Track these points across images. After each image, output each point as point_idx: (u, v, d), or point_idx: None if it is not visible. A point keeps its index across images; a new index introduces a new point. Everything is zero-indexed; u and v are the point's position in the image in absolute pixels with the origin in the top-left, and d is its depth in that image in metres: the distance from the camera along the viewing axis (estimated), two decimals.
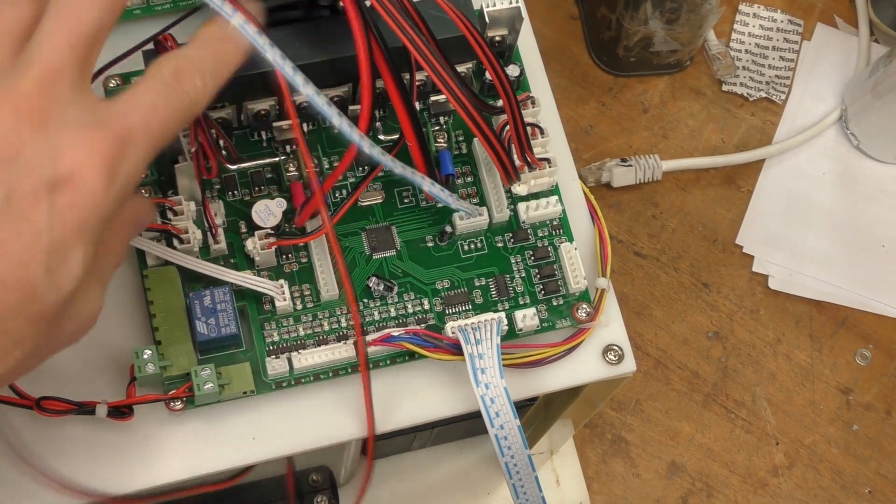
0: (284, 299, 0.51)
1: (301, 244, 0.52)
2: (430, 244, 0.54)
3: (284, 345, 0.51)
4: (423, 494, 0.75)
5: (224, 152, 0.52)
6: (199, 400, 0.49)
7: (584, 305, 0.53)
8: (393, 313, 0.52)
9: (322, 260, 0.52)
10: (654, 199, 0.88)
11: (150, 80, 0.41)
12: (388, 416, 0.52)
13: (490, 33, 0.54)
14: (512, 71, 0.55)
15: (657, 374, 0.84)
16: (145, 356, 0.49)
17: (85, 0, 0.40)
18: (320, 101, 0.44)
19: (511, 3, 0.53)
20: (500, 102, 0.50)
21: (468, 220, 0.53)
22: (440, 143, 0.55)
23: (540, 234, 0.55)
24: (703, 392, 0.84)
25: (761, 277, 0.87)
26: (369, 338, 0.51)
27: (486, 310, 0.53)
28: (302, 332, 0.52)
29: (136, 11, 0.55)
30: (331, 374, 0.51)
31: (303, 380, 0.51)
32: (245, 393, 0.50)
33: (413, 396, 0.52)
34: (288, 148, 0.54)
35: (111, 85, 0.52)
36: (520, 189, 0.54)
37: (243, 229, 0.52)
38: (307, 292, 0.52)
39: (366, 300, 0.52)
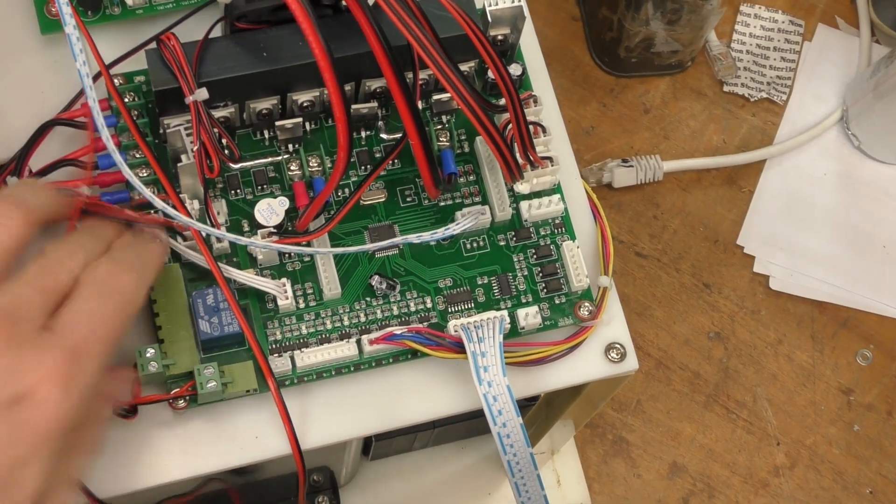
0: (287, 298, 0.51)
1: (304, 243, 0.52)
2: (432, 243, 0.54)
3: (287, 343, 0.51)
4: (424, 495, 0.75)
5: (226, 151, 0.52)
6: (202, 398, 0.49)
7: (587, 304, 0.53)
8: (395, 312, 0.52)
9: (324, 258, 0.52)
10: (656, 200, 0.88)
11: (85, 288, 0.43)
12: (391, 413, 0.52)
13: (492, 32, 0.54)
14: (514, 69, 0.55)
15: (658, 374, 0.84)
16: (148, 354, 0.49)
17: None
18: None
19: (513, 1, 0.54)
20: (502, 101, 0.50)
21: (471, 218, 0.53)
22: (442, 141, 0.55)
23: (542, 233, 0.55)
24: (704, 392, 0.84)
25: (762, 278, 0.87)
26: (372, 336, 0.51)
27: (488, 308, 0.53)
28: (304, 331, 0.52)
29: (139, 11, 0.55)
30: (333, 373, 0.51)
31: (305, 378, 0.51)
32: (248, 391, 0.50)
33: (416, 394, 0.52)
34: (290, 147, 0.54)
35: (116, 84, 0.52)
36: (522, 187, 0.54)
37: (246, 228, 0.53)
38: (310, 291, 0.52)
39: (368, 298, 0.52)
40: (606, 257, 0.55)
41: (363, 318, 0.52)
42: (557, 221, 0.55)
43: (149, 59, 0.50)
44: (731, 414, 0.83)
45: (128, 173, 0.49)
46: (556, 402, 0.66)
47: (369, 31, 0.47)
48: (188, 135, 0.50)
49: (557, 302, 0.54)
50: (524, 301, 0.53)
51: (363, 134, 0.55)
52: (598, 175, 0.87)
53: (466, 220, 0.53)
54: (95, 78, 0.50)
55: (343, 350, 0.51)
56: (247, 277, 0.51)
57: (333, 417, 0.52)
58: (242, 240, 0.50)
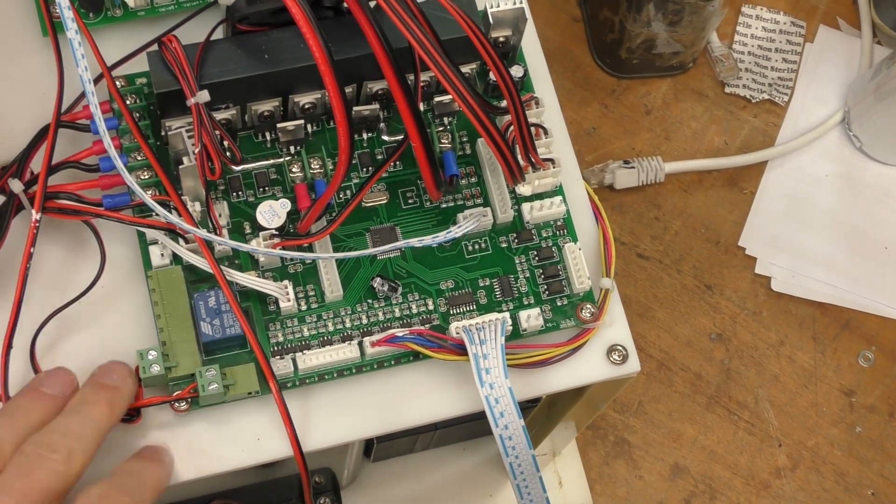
0: (289, 300, 0.51)
1: (305, 245, 0.52)
2: (434, 246, 0.54)
3: (289, 345, 0.51)
4: (425, 496, 0.75)
5: (228, 153, 0.52)
6: (204, 401, 0.49)
7: (588, 305, 0.53)
8: (397, 314, 0.52)
9: (326, 261, 0.52)
10: (657, 201, 0.88)
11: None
12: (392, 415, 0.52)
13: (494, 34, 0.54)
14: (516, 71, 0.55)
15: (660, 375, 0.84)
16: (150, 357, 0.49)
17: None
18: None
19: (515, 3, 0.54)
20: (503, 103, 0.50)
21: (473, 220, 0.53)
22: (444, 143, 0.55)
23: (544, 235, 0.55)
24: (705, 394, 0.84)
25: (764, 279, 0.87)
26: (374, 338, 0.51)
27: (490, 310, 0.53)
28: (306, 333, 0.52)
29: (141, 13, 0.55)
30: (335, 375, 0.51)
31: (307, 380, 0.51)
32: (250, 394, 0.50)
33: (417, 396, 0.52)
34: (292, 149, 0.54)
35: (117, 86, 0.52)
36: (524, 189, 0.54)
37: (247, 230, 0.53)
38: (311, 293, 0.52)
39: (370, 300, 0.52)
40: (608, 259, 0.55)
41: (365, 320, 0.52)
42: (559, 223, 0.55)
43: (150, 61, 0.50)
44: (732, 415, 0.83)
45: (128, 179, 0.48)
46: (557, 403, 0.66)
47: (370, 33, 0.47)
48: (190, 137, 0.50)
49: (559, 304, 0.54)
50: (526, 303, 0.53)
51: (365, 136, 0.55)
52: (600, 176, 0.87)
53: (468, 223, 0.53)
54: (97, 80, 0.50)
55: (345, 352, 0.51)
56: (249, 280, 0.51)
57: (335, 419, 0.52)
58: (245, 247, 0.50)
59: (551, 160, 0.54)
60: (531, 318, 0.52)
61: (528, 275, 0.54)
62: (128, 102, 0.52)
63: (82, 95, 0.52)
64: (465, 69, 0.54)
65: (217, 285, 0.50)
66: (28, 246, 0.49)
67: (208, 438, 0.50)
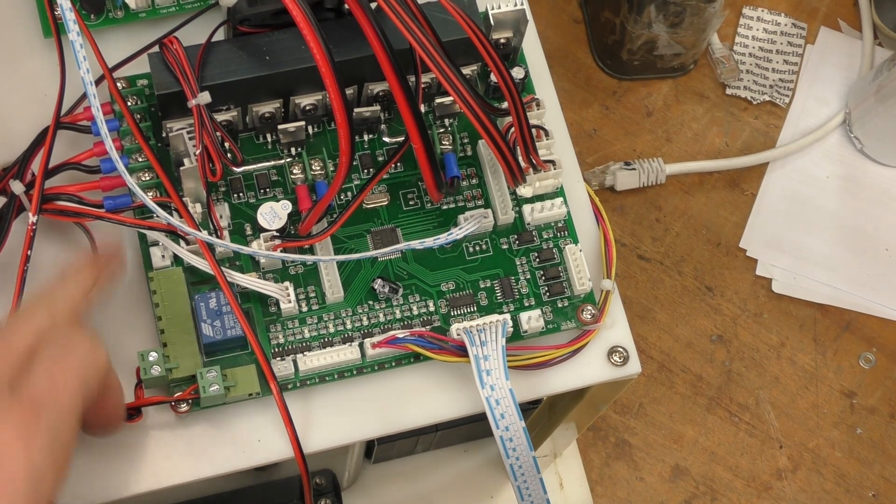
0: (289, 301, 0.51)
1: (306, 246, 0.52)
2: (434, 247, 0.54)
3: (290, 347, 0.51)
4: (426, 498, 0.75)
5: (229, 155, 0.52)
6: (205, 402, 0.49)
7: (589, 307, 0.53)
8: (398, 315, 0.52)
9: (327, 262, 0.52)
10: (658, 203, 0.88)
11: (46, 347, 0.43)
12: (393, 417, 0.52)
13: (495, 35, 0.54)
14: (517, 73, 0.55)
15: (661, 377, 0.84)
16: (151, 358, 0.49)
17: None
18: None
19: (516, 5, 0.54)
20: (504, 104, 0.50)
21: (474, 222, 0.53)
22: (445, 145, 0.55)
23: (545, 236, 0.55)
24: (706, 395, 0.84)
25: (765, 281, 0.87)
26: (375, 340, 0.51)
27: (491, 311, 0.53)
28: (307, 334, 0.52)
29: (142, 14, 0.55)
30: (336, 376, 0.51)
31: (308, 382, 0.51)
32: (250, 395, 0.50)
33: (418, 398, 0.52)
34: (293, 150, 0.54)
35: (119, 87, 0.52)
36: (525, 191, 0.54)
37: (248, 232, 0.53)
38: (312, 294, 0.52)
39: (371, 302, 0.52)
40: (609, 260, 0.55)
41: (366, 322, 0.52)
42: (560, 225, 0.55)
43: (151, 62, 0.50)
44: (733, 417, 0.83)
45: (129, 181, 0.48)
46: (558, 405, 0.66)
47: (371, 35, 0.47)
48: (191, 138, 0.50)
49: (560, 305, 0.54)
50: (527, 304, 0.53)
51: (366, 137, 0.55)
52: (601, 178, 0.87)
53: (469, 225, 0.53)
54: (98, 81, 0.50)
55: (346, 353, 0.51)
56: (249, 281, 0.51)
57: (336, 421, 0.52)
58: (245, 249, 0.50)
59: (552, 162, 0.54)
60: (532, 319, 0.52)
61: (528, 276, 0.54)
62: (129, 104, 0.52)
63: (83, 97, 0.52)
64: (466, 70, 0.54)
65: (218, 287, 0.50)
66: (25, 248, 0.49)
67: (209, 439, 0.50)
